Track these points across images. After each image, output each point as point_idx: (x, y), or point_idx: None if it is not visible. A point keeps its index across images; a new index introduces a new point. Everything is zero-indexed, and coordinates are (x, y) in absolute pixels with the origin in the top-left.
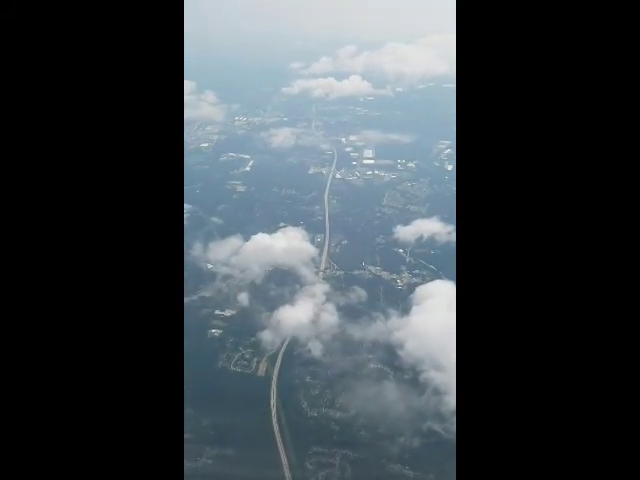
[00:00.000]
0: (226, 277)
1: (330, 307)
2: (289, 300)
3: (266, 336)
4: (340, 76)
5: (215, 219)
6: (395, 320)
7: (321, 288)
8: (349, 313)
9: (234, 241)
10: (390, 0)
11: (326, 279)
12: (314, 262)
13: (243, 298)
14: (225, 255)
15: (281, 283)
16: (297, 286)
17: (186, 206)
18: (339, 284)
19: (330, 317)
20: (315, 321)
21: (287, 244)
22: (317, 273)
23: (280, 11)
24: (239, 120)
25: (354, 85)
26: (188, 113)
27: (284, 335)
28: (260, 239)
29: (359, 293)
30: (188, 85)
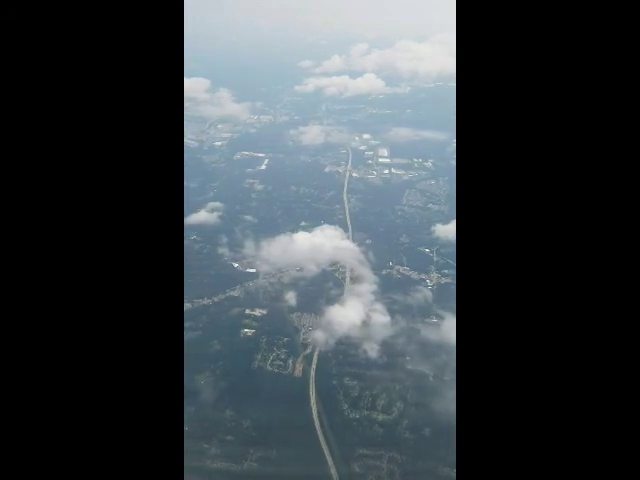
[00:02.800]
0: (268, 275)
1: (379, 306)
2: (340, 299)
3: (317, 335)
4: (353, 74)
5: (249, 217)
6: (451, 320)
7: (368, 287)
8: (399, 312)
9: (283, 239)
10: None
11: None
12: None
13: (291, 297)
14: (277, 253)
15: (334, 281)
16: (349, 285)
17: (215, 204)
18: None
19: (381, 317)
20: (366, 321)
21: (332, 242)
22: (374, 272)
23: (288, 9)
24: (251, 118)
25: (368, 83)
26: (208, 111)
27: (335, 334)
28: (303, 237)
29: (419, 293)
30: (203, 83)
